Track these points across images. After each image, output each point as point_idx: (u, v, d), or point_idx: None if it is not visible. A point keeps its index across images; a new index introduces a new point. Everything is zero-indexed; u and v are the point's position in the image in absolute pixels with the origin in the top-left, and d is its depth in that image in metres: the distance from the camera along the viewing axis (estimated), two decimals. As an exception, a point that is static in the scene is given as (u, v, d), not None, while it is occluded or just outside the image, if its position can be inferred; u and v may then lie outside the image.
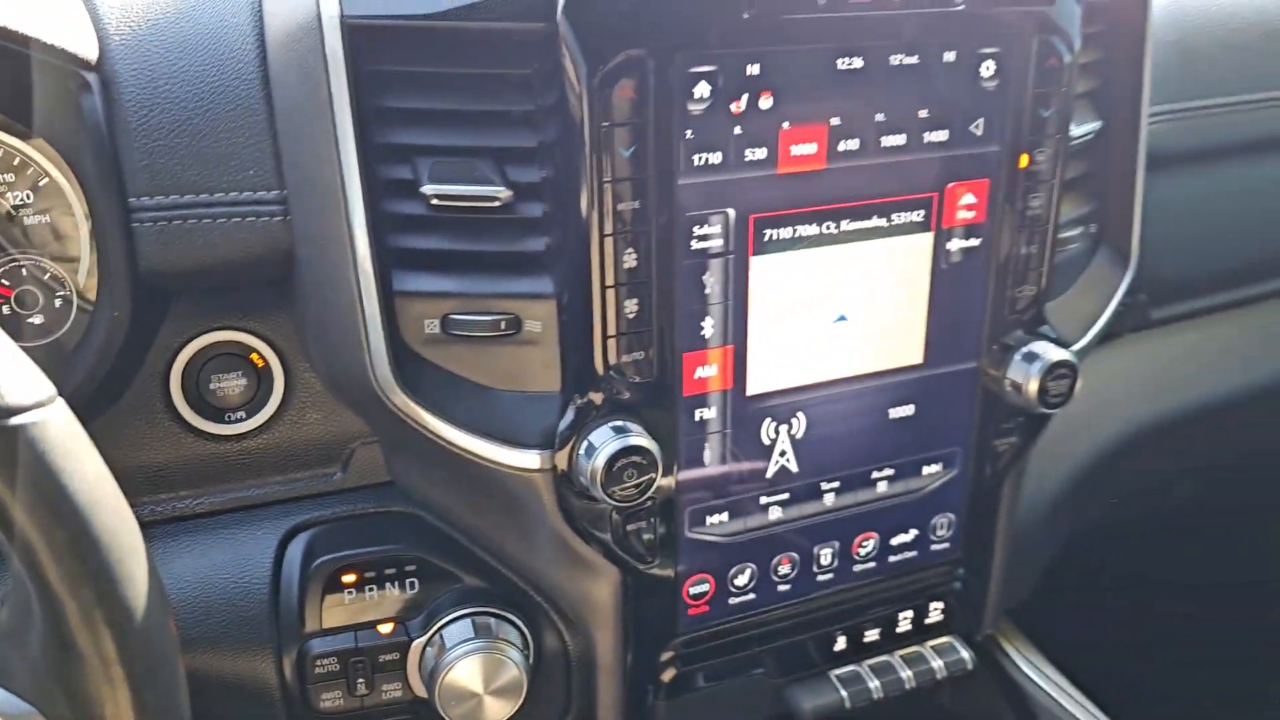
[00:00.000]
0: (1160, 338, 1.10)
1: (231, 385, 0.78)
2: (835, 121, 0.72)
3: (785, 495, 0.82)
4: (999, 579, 0.94)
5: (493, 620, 0.79)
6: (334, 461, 0.83)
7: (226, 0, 0.74)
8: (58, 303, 0.72)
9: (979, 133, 0.76)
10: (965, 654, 0.92)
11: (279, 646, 0.76)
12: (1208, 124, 1.01)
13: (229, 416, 0.79)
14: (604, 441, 0.71)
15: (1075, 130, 0.83)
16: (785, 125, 0.71)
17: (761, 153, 0.71)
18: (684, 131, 0.68)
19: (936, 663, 0.91)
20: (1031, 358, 0.82)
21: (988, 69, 0.75)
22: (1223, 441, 1.13)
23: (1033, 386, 0.82)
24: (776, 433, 0.79)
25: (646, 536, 0.77)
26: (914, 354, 0.82)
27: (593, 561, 0.77)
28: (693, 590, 0.82)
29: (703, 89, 0.68)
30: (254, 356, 0.78)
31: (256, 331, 0.79)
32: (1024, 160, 0.78)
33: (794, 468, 0.81)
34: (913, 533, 0.88)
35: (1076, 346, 0.86)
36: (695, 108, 0.68)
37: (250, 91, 0.71)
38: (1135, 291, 1.07)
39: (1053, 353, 0.82)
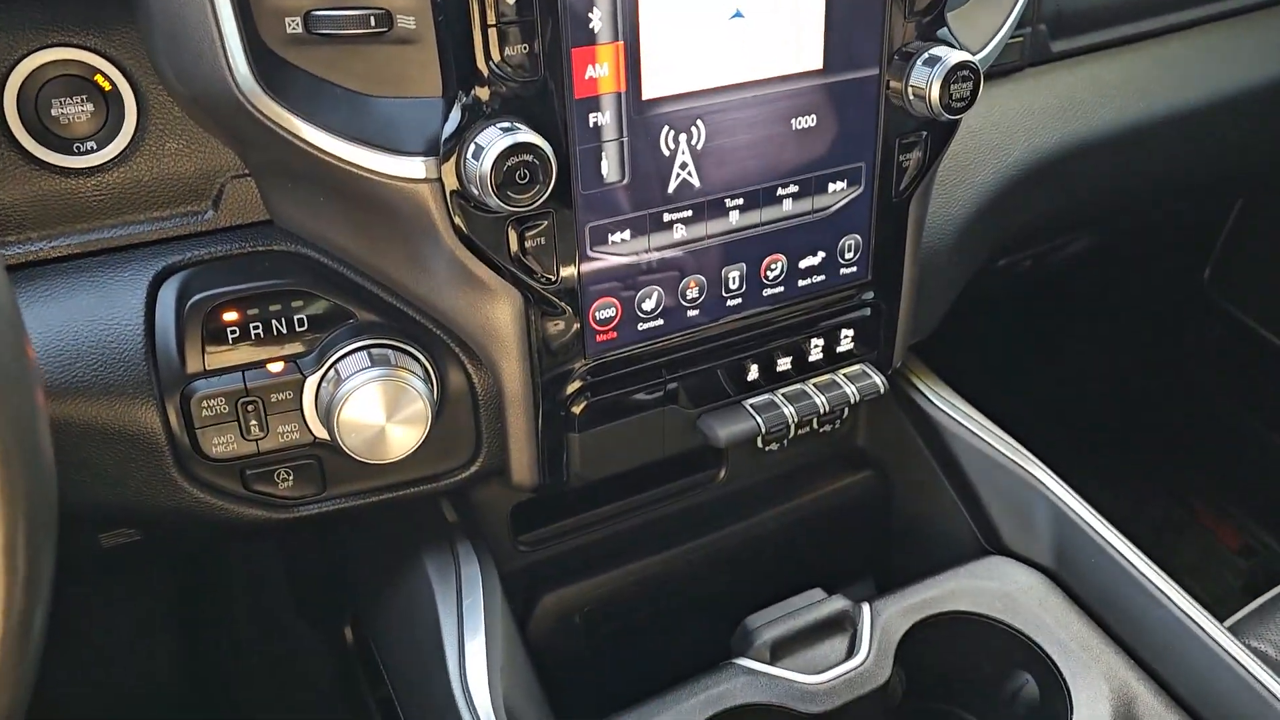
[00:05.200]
0: (1062, 70, 1.09)
1: (76, 111, 0.70)
2: None
3: (689, 212, 0.79)
4: (908, 306, 0.94)
5: (391, 351, 0.75)
6: (203, 198, 0.77)
7: None
8: None
9: None
10: (878, 379, 0.92)
11: (159, 390, 0.72)
12: None
13: (77, 147, 0.71)
14: (491, 141, 0.66)
15: None
16: None
17: None
18: None
19: (850, 388, 0.91)
20: (933, 61, 0.79)
21: None
22: (1123, 170, 1.14)
23: (935, 90, 0.79)
24: (676, 142, 0.76)
25: (545, 253, 0.74)
26: (814, 58, 0.78)
27: (491, 284, 0.74)
28: (599, 315, 0.79)
29: None
30: (99, 79, 0.71)
31: (99, 49, 0.71)
32: None
33: (696, 182, 0.78)
34: (820, 255, 0.86)
35: (979, 55, 0.84)
36: None
37: None
38: (1035, 22, 1.05)
39: (954, 56, 0.79)
